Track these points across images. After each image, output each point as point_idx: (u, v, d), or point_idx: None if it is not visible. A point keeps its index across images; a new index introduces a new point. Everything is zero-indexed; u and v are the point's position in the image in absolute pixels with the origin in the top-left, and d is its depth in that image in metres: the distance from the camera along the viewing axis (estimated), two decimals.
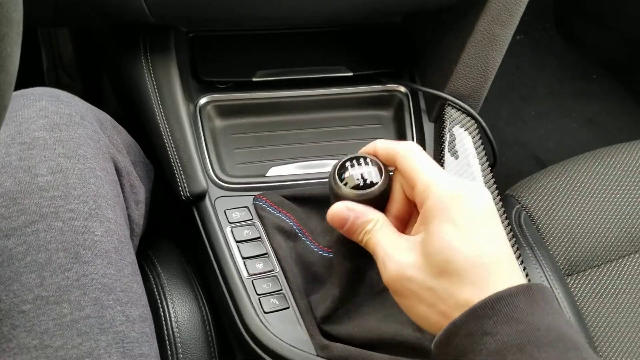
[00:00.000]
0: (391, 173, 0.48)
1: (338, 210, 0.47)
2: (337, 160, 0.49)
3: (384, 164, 0.48)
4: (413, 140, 0.69)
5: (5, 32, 0.30)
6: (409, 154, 0.46)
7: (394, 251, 0.44)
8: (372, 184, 0.47)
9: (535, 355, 0.37)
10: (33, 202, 0.46)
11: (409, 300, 0.43)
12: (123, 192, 0.54)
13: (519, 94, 1.38)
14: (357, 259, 0.51)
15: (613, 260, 0.75)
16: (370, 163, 0.48)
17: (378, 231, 0.46)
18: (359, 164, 0.48)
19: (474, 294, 0.40)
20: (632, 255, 0.75)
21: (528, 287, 0.40)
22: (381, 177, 0.47)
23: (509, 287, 0.39)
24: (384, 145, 0.48)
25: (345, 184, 0.47)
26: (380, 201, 0.48)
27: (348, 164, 0.48)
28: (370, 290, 0.55)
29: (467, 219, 0.42)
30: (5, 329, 0.43)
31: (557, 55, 1.45)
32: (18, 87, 0.52)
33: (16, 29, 0.31)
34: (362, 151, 0.50)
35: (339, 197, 0.48)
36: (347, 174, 0.47)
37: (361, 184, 0.47)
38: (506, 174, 1.15)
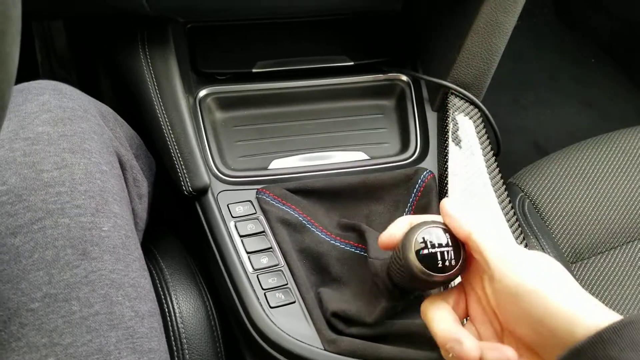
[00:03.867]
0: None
1: None
2: (413, 228, 0.45)
3: (462, 244, 0.45)
4: (416, 129, 0.68)
5: (4, 29, 0.29)
6: (482, 237, 0.44)
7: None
8: (450, 267, 0.45)
9: None
10: (39, 198, 0.45)
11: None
12: (127, 186, 0.54)
13: (518, 80, 1.37)
14: (406, 295, 0.51)
15: (617, 247, 0.74)
16: (450, 242, 0.45)
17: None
18: (439, 240, 0.45)
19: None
20: (636, 242, 0.75)
21: None
22: (459, 260, 0.45)
23: (633, 314, 0.38)
24: (455, 216, 0.45)
25: (420, 260, 0.44)
26: None
27: (427, 237, 0.45)
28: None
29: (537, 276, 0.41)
30: (14, 327, 0.42)
31: (556, 41, 1.44)
32: None
33: (15, 26, 0.30)
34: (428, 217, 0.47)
35: (411, 273, 0.45)
36: (425, 251, 0.44)
37: (439, 265, 0.44)
38: (507, 161, 1.13)
